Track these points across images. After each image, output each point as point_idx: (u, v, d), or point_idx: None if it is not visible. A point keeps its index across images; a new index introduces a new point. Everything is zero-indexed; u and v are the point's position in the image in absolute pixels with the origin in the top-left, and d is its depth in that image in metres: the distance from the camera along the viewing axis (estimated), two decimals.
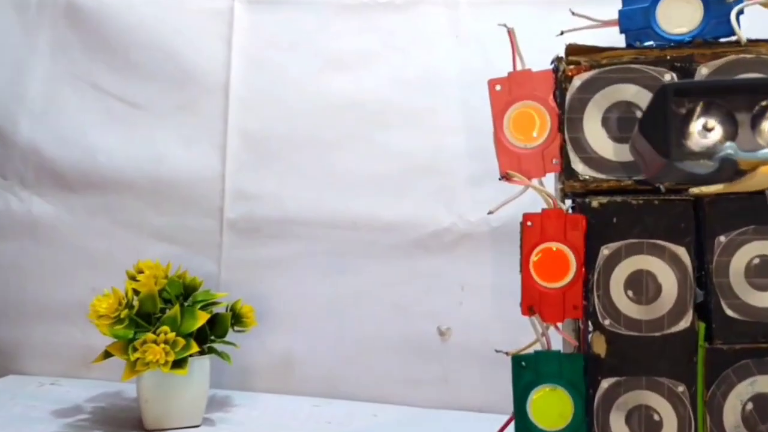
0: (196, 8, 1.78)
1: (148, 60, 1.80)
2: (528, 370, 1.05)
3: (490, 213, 1.07)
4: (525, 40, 1.09)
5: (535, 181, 1.06)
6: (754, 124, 0.84)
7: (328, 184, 1.74)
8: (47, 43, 1.83)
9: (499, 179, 1.06)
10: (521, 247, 1.04)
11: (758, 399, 0.99)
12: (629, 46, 1.05)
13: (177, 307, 1.51)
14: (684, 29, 1.03)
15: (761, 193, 0.95)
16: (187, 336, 1.49)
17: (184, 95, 1.79)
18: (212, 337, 1.58)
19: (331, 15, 1.74)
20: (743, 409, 0.99)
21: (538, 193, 1.05)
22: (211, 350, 1.57)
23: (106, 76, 1.82)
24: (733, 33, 1.01)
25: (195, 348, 1.48)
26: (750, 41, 1.01)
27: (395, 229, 1.71)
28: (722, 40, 1.03)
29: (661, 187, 1.01)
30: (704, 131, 0.84)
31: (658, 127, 0.84)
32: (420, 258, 1.71)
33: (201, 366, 1.54)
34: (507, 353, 1.06)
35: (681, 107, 0.84)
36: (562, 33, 1.05)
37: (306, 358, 1.76)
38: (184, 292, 1.60)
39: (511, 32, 1.05)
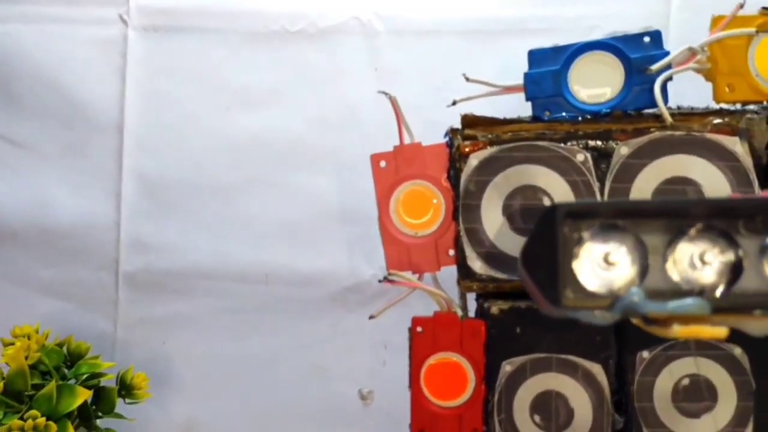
0: (84, 37, 1.64)
1: (31, 94, 1.65)
2: None
3: (371, 318, 0.91)
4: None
5: (427, 277, 0.89)
6: (669, 252, 0.66)
7: (237, 232, 1.62)
8: None
9: (379, 281, 0.89)
10: (410, 357, 0.88)
11: None
12: (536, 118, 0.88)
13: (52, 384, 1.36)
14: (601, 97, 0.86)
15: None
16: (64, 417, 1.34)
17: (72, 134, 1.64)
18: (99, 413, 1.43)
19: (238, 45, 1.61)
20: None
21: (429, 295, 0.88)
22: (96, 429, 1.43)
23: None
24: None
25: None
26: (678, 114, 0.84)
27: (311, 282, 1.60)
28: (647, 111, 0.86)
29: None
30: (605, 263, 0.66)
31: (544, 262, 0.66)
32: (339, 314, 1.60)
33: None
34: None
35: (575, 232, 0.65)
36: (454, 103, 0.87)
37: (213, 426, 1.63)
38: (69, 360, 1.46)
39: (393, 101, 0.88)
